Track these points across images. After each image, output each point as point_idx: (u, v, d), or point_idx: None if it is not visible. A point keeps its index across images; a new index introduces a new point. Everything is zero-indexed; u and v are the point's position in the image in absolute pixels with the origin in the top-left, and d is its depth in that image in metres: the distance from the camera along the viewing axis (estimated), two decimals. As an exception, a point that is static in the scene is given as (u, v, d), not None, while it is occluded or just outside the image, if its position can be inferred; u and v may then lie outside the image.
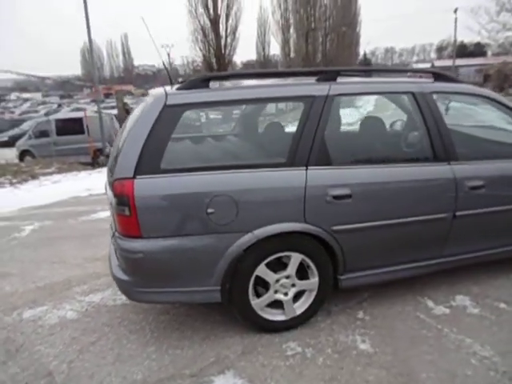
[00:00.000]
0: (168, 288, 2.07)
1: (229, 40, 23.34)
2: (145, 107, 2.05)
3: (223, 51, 23.15)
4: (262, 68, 58.45)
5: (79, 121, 11.89)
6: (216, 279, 2.05)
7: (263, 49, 57.28)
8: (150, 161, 1.93)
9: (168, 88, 2.15)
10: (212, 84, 2.17)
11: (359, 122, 2.63)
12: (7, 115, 26.17)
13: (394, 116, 2.93)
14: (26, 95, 52.90)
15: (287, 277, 2.19)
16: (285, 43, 40.55)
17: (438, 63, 58.41)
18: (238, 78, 2.43)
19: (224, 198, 1.96)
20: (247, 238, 2.02)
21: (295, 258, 2.16)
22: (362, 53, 74.42)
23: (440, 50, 67.97)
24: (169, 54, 51.99)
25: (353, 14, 56.59)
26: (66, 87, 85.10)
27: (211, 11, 22.30)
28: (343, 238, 2.18)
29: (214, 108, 2.22)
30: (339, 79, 2.31)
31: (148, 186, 1.93)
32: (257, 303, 2.18)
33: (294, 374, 1.98)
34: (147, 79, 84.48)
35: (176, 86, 2.14)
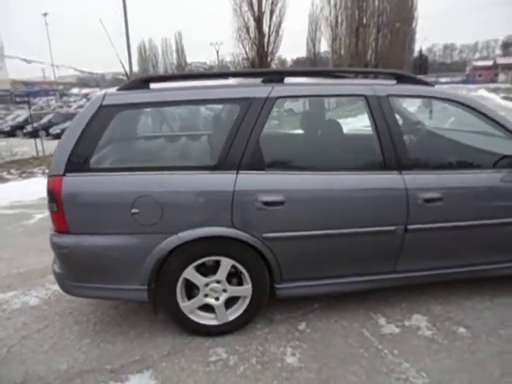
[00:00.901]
0: (99, 284, 2.12)
1: (272, 37, 23.27)
2: (83, 107, 2.11)
3: (266, 48, 23.11)
4: (312, 65, 57.81)
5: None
6: (142, 279, 2.07)
7: (313, 46, 56.59)
8: (79, 159, 1.99)
9: (112, 89, 2.20)
10: (154, 85, 2.18)
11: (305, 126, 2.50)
12: (64, 109, 28.10)
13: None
14: (85, 90, 56.41)
15: (218, 281, 2.16)
16: (333, 40, 39.71)
17: (501, 60, 54.12)
18: (181, 79, 2.42)
19: (148, 199, 1.97)
20: (172, 240, 2.01)
21: (225, 263, 2.11)
22: (417, 50, 71.22)
23: (506, 46, 62.94)
24: (217, 52, 52.95)
25: (409, 8, 54.10)
26: (122, 83, 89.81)
27: (255, 8, 22.37)
28: (277, 246, 2.10)
29: (151, 109, 2.22)
30: (288, 80, 2.22)
31: (76, 184, 1.98)
32: (186, 306, 2.17)
33: (208, 380, 1.95)
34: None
35: (117, 87, 2.18)
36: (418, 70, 66.82)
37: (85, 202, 1.99)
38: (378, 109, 2.16)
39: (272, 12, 22.88)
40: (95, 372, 2.02)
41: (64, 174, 1.98)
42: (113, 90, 2.17)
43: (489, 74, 50.26)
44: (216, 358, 2.10)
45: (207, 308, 2.21)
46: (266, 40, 23.00)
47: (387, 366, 1.99)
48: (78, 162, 1.98)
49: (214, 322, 2.21)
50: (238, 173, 2.03)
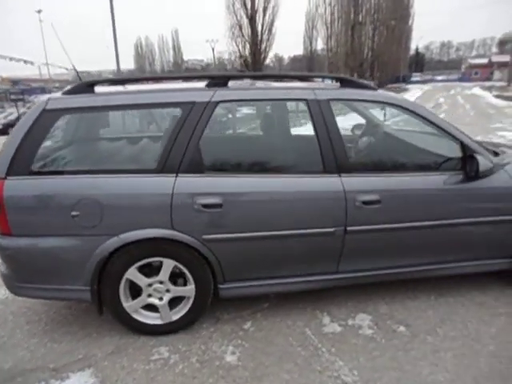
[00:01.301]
0: (43, 284, 2.17)
1: (265, 35, 23.29)
2: (28, 111, 2.15)
3: (259, 46, 23.14)
4: (309, 63, 57.43)
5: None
6: (85, 279, 2.12)
7: (310, 43, 56.45)
8: (21, 162, 2.02)
9: (58, 93, 2.23)
10: (99, 89, 2.22)
11: (247, 129, 2.55)
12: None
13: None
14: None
15: (161, 282, 2.20)
16: (328, 38, 39.69)
17: (496, 58, 54.19)
18: (128, 82, 2.45)
19: (88, 202, 2.01)
20: (113, 242, 2.06)
21: (167, 264, 2.16)
22: (414, 47, 71.25)
23: (502, 44, 62.95)
24: (213, 49, 52.63)
25: (405, 6, 53.93)
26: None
27: (248, 6, 22.37)
28: (217, 247, 2.15)
29: (95, 113, 2.26)
30: (233, 84, 2.26)
31: (17, 187, 2.02)
32: (130, 305, 2.21)
33: (146, 379, 1.99)
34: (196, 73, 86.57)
35: (63, 91, 2.21)
36: (413, 68, 67.11)
37: (26, 205, 2.03)
38: (319, 112, 2.20)
39: (265, 10, 22.91)
40: (38, 371, 2.07)
41: (5, 178, 2.02)
42: (58, 94, 2.21)
43: (485, 72, 50.32)
44: (158, 356, 2.15)
45: (151, 308, 2.26)
46: (259, 38, 23.02)
47: (321, 364, 2.05)
48: (19, 166, 2.02)
49: (158, 322, 2.26)
50: (177, 176, 2.08)
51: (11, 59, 18.05)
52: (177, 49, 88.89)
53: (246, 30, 22.73)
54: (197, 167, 2.10)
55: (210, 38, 38.33)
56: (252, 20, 22.42)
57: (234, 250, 2.18)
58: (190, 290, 2.23)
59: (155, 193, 2.06)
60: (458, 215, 2.33)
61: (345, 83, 2.35)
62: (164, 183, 2.06)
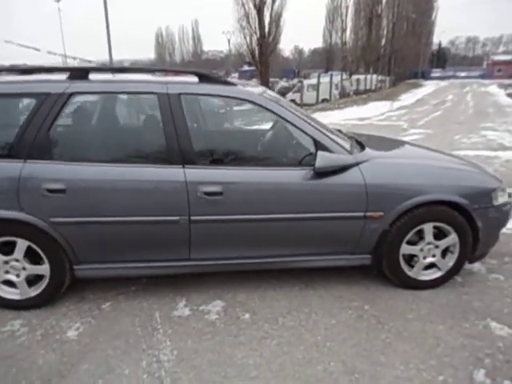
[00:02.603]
0: None
1: (273, 27, 23.11)
2: None
3: (266, 38, 22.99)
4: (328, 56, 56.43)
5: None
6: None
7: (330, 36, 55.52)
8: None
9: None
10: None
11: (97, 120, 2.65)
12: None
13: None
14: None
15: (17, 260, 2.37)
16: (343, 31, 39.08)
17: (520, 55, 52.08)
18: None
19: None
20: None
21: (21, 244, 2.32)
22: (437, 42, 69.06)
23: (531, 40, 60.39)
24: (229, 40, 52.61)
25: (428, -1, 52.21)
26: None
27: (257, -2, 22.22)
28: (64, 230, 2.29)
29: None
30: (94, 77, 2.38)
31: None
32: (-12, 281, 2.39)
33: (-14, 347, 2.17)
34: (215, 64, 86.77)
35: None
36: (434, 63, 65.26)
37: None
38: (167, 106, 2.30)
39: (273, 1, 22.69)
40: None
41: None
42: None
43: (508, 69, 48.51)
44: (9, 328, 2.32)
45: (12, 284, 2.43)
46: (266, 30, 22.86)
47: (149, 344, 2.17)
48: None
49: (16, 297, 2.43)
50: (25, 161, 2.23)
51: (22, 46, 18.53)
52: (196, 39, 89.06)
53: (254, 22, 22.69)
54: (45, 154, 2.24)
55: (226, 29, 37.98)
56: (260, 11, 22.32)
57: (81, 233, 2.32)
58: (44, 269, 2.38)
59: (3, 176, 2.22)
60: (306, 210, 2.39)
61: (203, 78, 2.43)
62: (12, 168, 2.21)
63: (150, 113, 2.61)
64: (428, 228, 2.53)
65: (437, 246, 2.59)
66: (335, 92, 24.59)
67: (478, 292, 2.66)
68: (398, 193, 2.43)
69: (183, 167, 2.30)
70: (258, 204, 2.36)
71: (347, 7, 38.77)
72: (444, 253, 2.63)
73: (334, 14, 46.83)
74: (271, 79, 36.63)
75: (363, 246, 2.53)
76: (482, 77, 49.55)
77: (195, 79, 2.45)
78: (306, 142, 2.44)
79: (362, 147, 2.70)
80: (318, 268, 2.69)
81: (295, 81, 28.05)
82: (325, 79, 25.12)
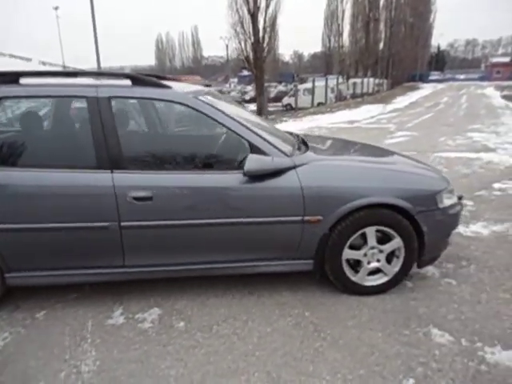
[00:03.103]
0: None
1: (267, 32, 23.15)
2: None
3: (261, 43, 23.02)
4: (328, 60, 56.31)
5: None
6: None
7: (329, 41, 55.53)
8: None
9: None
10: None
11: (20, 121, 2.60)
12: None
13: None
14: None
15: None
16: (339, 35, 39.15)
17: (518, 57, 51.94)
18: None
19: None
20: None
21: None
22: (436, 45, 69.00)
23: (530, 41, 60.25)
24: (227, 46, 52.84)
25: (426, 2, 52.26)
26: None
27: (251, 2, 22.28)
28: None
29: None
30: (25, 81, 2.34)
31: None
32: None
33: None
34: (215, 70, 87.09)
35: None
36: (433, 66, 65.15)
37: None
38: (96, 110, 2.25)
39: (268, 6, 22.75)
40: None
41: None
42: None
43: (506, 71, 48.37)
44: None
45: None
46: (260, 35, 22.88)
47: (73, 354, 2.10)
48: None
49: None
50: None
51: (14, 57, 18.63)
52: (196, 45, 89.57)
53: (248, 27, 22.72)
54: None
55: (223, 35, 37.92)
56: (253, 17, 22.35)
57: (10, 241, 2.26)
58: (-25, 276, 2.33)
59: None
60: (241, 215, 2.33)
61: (136, 82, 2.39)
62: None
63: (80, 117, 2.56)
64: (370, 232, 2.46)
65: (381, 251, 2.52)
66: (331, 96, 24.62)
67: (426, 297, 2.58)
68: (336, 196, 2.37)
69: (111, 172, 2.24)
70: (190, 209, 2.30)
71: (343, 11, 38.84)
72: (390, 257, 2.56)
73: (331, 19, 46.94)
74: (270, 83, 36.77)
75: (304, 251, 2.46)
76: (481, 79, 49.45)
77: (128, 82, 2.40)
78: (243, 146, 2.38)
79: (307, 149, 2.64)
80: (265, 274, 2.62)
81: (293, 85, 28.07)
82: (320, 83, 25.16)
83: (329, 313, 2.44)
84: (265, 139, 2.38)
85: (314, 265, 2.50)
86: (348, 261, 2.54)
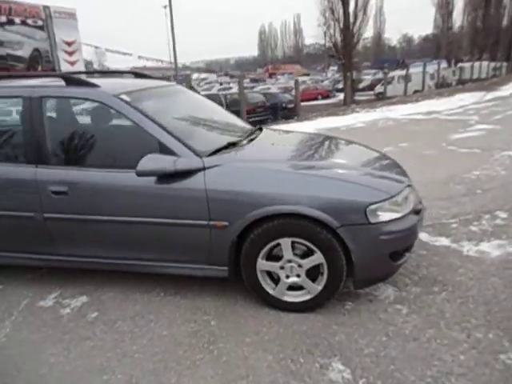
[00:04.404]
0: None
1: (359, 17, 21.84)
2: None
3: (351, 29, 21.83)
4: (438, 42, 50.83)
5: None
6: None
7: (442, 22, 49.97)
8: None
9: None
10: None
11: None
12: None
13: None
14: (203, 75, 61.07)
15: None
16: (449, 14, 34.84)
17: None
18: None
19: None
20: None
21: None
22: None
23: None
24: (325, 33, 51.26)
25: None
26: (243, 67, 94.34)
27: (342, -13, 21.20)
28: None
29: None
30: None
31: None
32: None
33: None
34: (315, 58, 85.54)
35: None
36: None
37: None
38: (29, 109, 2.44)
39: (360, -11, 21.41)
40: None
41: None
42: None
43: None
44: None
45: None
46: (351, 20, 21.69)
47: (-10, 329, 2.37)
48: None
49: None
50: None
51: (120, 53, 21.05)
52: (298, 33, 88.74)
53: (338, 13, 21.70)
54: None
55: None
56: (344, 2, 21.22)
57: None
58: None
59: None
60: (149, 214, 2.31)
61: (69, 81, 2.50)
62: None
63: (16, 116, 2.78)
64: (285, 244, 2.22)
65: (300, 265, 2.26)
66: (430, 83, 22.28)
67: (356, 324, 2.24)
68: (243, 202, 2.19)
69: (36, 166, 2.43)
70: (101, 205, 2.37)
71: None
72: (316, 274, 2.28)
73: (443, -4, 41.99)
74: (368, 71, 34.70)
75: (217, 257, 2.34)
76: None
77: (62, 82, 2.53)
78: (155, 145, 2.31)
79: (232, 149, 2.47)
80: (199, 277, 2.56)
81: (397, 72, 26.04)
82: (417, 69, 22.92)
83: (236, 324, 2.29)
84: (177, 138, 2.30)
85: (229, 272, 2.36)
86: (269, 272, 2.34)
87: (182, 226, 2.29)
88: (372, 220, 2.13)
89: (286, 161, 2.46)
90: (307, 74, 54.32)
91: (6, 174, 2.49)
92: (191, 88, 12.81)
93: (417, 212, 2.35)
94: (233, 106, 15.17)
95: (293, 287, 2.33)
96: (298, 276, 2.28)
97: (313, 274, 2.27)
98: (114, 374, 1.97)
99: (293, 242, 2.22)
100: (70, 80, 2.51)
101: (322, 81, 37.19)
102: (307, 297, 2.31)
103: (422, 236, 3.15)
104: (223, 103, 15.01)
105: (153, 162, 2.17)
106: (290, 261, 2.26)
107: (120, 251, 2.49)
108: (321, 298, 2.30)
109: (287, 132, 3.69)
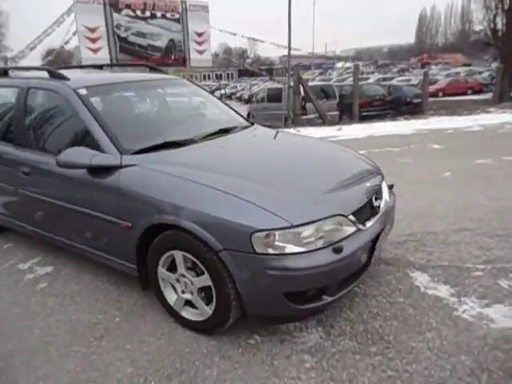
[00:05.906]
0: None
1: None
2: None
3: (518, 11, 17.92)
4: None
5: (280, 90, 13.84)
6: None
7: None
8: None
9: None
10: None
11: None
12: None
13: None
14: (348, 64, 59.02)
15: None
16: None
17: None
18: None
19: None
20: None
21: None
22: None
23: None
24: (484, 17, 43.53)
25: None
26: (396, 56, 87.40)
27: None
28: None
29: None
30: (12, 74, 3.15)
31: None
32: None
33: None
34: (484, 46, 73.61)
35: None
36: None
37: None
38: (19, 97, 2.82)
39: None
40: None
41: None
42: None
43: None
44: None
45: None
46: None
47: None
48: None
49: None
50: None
51: (230, 33, 21.64)
52: (465, 18, 77.29)
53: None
54: None
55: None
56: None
57: None
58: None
59: None
60: (75, 202, 2.43)
61: (51, 74, 2.74)
62: None
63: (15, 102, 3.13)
64: (178, 256, 2.06)
65: (192, 283, 2.07)
66: None
67: (240, 363, 1.95)
68: (143, 205, 2.10)
69: (17, 148, 2.80)
70: (44, 187, 2.65)
71: None
72: (210, 295, 2.05)
73: None
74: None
75: (126, 255, 2.32)
76: None
77: (47, 75, 2.81)
78: (91, 138, 2.38)
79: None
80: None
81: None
82: None
83: (134, 327, 2.25)
84: (107, 134, 2.33)
85: (138, 272, 2.32)
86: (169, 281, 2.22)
87: (98, 219, 2.34)
88: (258, 249, 1.79)
89: (205, 168, 2.21)
90: (468, 65, 47.40)
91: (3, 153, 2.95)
92: (300, 79, 12.53)
93: (337, 250, 1.87)
94: (347, 99, 14.38)
95: (192, 304, 2.16)
96: (192, 293, 2.10)
97: (208, 295, 2.06)
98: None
99: (185, 257, 2.05)
100: (52, 73, 2.78)
101: (481, 73, 31.94)
102: (200, 318, 2.12)
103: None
104: (335, 95, 14.32)
105: (74, 154, 2.25)
106: (183, 275, 2.10)
107: (59, 231, 2.74)
108: (211, 323, 2.07)
109: (287, 134, 3.33)
